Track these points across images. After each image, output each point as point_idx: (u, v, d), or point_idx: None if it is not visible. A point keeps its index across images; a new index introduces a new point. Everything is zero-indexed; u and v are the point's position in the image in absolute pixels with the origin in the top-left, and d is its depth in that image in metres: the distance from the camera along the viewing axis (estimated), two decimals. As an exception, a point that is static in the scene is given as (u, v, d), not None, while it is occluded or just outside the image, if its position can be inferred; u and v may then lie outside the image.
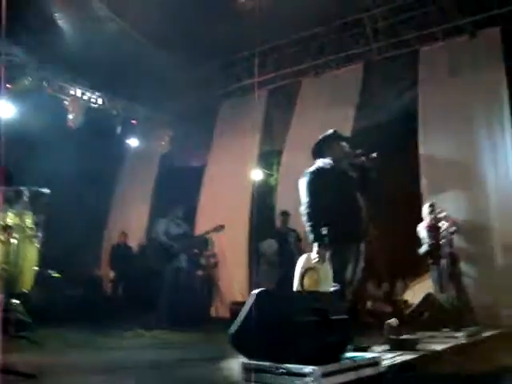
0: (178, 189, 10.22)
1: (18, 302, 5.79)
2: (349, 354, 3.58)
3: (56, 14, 8.65)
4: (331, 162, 4.77)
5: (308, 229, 4.56)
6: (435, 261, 7.24)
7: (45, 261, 8.20)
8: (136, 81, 9.84)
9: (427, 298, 5.59)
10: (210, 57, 10.23)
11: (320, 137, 4.93)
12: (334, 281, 4.52)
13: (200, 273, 9.22)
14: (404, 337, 4.73)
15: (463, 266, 7.62)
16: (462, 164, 8.30)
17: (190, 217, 9.63)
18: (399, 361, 4.00)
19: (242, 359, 3.20)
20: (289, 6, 8.65)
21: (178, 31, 9.28)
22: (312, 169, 4.75)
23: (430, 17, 8.63)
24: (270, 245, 8.73)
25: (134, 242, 10.54)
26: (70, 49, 8.88)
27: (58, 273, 8.29)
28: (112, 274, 9.98)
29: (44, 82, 9.30)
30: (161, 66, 9.99)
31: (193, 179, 10.89)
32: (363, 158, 4.83)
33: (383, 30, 9.01)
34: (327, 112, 9.44)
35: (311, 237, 4.52)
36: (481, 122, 8.25)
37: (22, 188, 5.31)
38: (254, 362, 3.13)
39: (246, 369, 3.14)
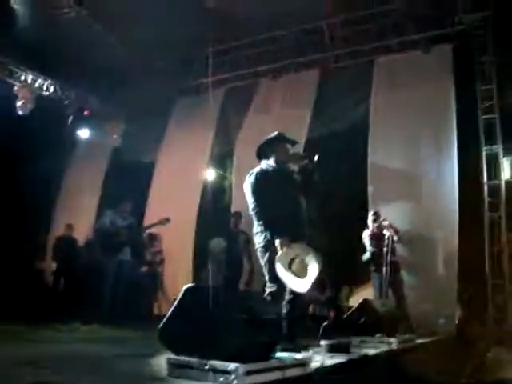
0: (128, 183, 10.09)
1: None
2: (278, 354, 3.60)
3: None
4: (274, 163, 4.81)
5: (260, 228, 4.58)
6: (377, 268, 7.36)
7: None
8: (91, 71, 9.69)
9: (363, 303, 5.68)
10: (169, 52, 10.15)
11: (264, 138, 4.97)
12: (270, 281, 4.56)
13: (145, 269, 9.11)
14: (337, 340, 4.78)
15: (405, 275, 7.78)
16: (408, 175, 8.50)
17: (138, 211, 9.51)
18: (328, 363, 4.05)
19: (169, 355, 3.17)
20: (249, 8, 8.72)
21: (136, 25, 9.20)
22: (255, 170, 4.78)
23: (387, 29, 8.82)
24: (218, 243, 8.67)
25: (81, 234, 10.34)
26: (24, 34, 8.67)
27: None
28: (54, 266, 9.75)
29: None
30: (117, 58, 9.88)
31: (143, 174, 10.77)
32: (306, 161, 4.90)
33: (341, 39, 9.14)
34: (282, 116, 9.53)
35: (267, 234, 4.53)
36: (429, 135, 8.48)
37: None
38: (180, 358, 3.10)
39: (171, 364, 3.12)
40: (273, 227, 4.52)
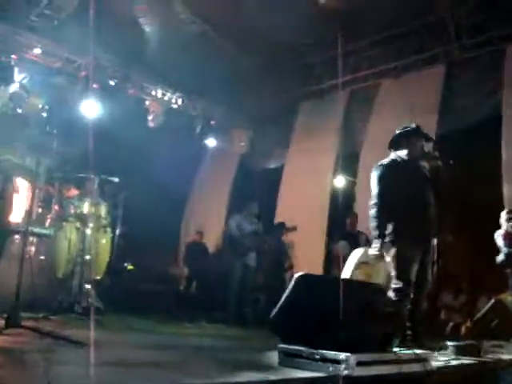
0: (256, 189, 10.32)
1: (90, 287, 6.06)
2: (396, 349, 3.44)
3: (140, 17, 9.06)
4: (407, 156, 4.67)
5: (373, 224, 4.49)
6: (513, 270, 6.78)
7: (122, 253, 8.60)
8: (216, 82, 10.06)
9: (496, 304, 5.26)
10: (290, 58, 10.28)
11: (401, 129, 4.81)
12: (398, 279, 4.41)
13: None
14: (466, 342, 4.47)
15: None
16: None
17: (267, 217, 9.64)
18: (453, 363, 3.79)
19: (280, 344, 3.16)
20: (369, 7, 8.55)
21: (258, 33, 9.43)
22: (385, 161, 4.67)
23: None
24: (343, 246, 8.55)
25: (211, 241, 10.72)
26: (153, 51, 9.27)
27: (132, 265, 8.60)
28: (186, 271, 10.20)
29: (127, 84, 9.69)
30: (241, 68, 10.19)
31: (271, 180, 10.94)
32: (439, 162, 4.66)
33: (466, 28, 8.63)
34: (407, 114, 9.17)
35: (375, 232, 4.45)
36: None
37: (91, 176, 5.55)
38: (290, 347, 3.08)
39: (282, 353, 3.10)
40: (381, 227, 4.43)
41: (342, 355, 2.83)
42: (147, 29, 9.31)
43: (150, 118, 9.76)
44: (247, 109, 11.31)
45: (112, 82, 9.46)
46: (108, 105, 9.14)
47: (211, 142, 11.29)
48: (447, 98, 9.11)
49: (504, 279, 7.22)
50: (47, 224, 7.05)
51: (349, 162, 10.67)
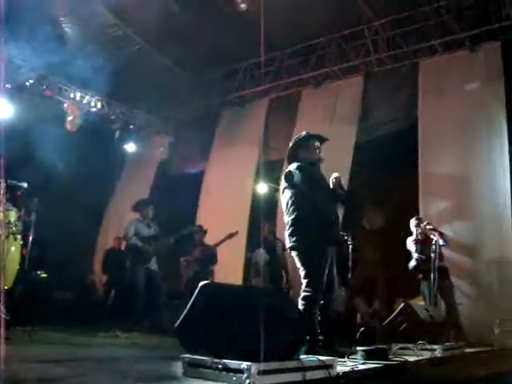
0: (176, 195, 10.17)
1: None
2: (303, 356, 3.45)
3: (60, 18, 8.77)
4: (309, 160, 4.60)
5: (299, 228, 4.44)
6: (424, 275, 7.03)
7: (34, 261, 8.21)
8: (136, 86, 9.88)
9: (404, 308, 5.43)
10: (211, 65, 10.28)
11: (294, 139, 4.77)
12: (307, 285, 4.38)
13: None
14: (374, 347, 4.57)
15: (461, 283, 7.47)
16: (459, 179, 8.16)
17: (188, 223, 9.47)
18: (360, 368, 3.86)
19: (184, 353, 3.09)
20: (291, 16, 8.67)
21: (181, 40, 9.36)
22: (294, 166, 4.53)
23: (431, 29, 8.57)
24: (261, 254, 8.52)
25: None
26: (72, 52, 8.98)
27: (45, 273, 8.26)
28: (104, 279, 9.91)
29: (44, 85, 9.34)
30: (162, 73, 10.07)
31: (191, 186, 10.83)
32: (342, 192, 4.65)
33: (384, 42, 8.95)
34: (328, 124, 9.38)
35: (309, 234, 4.41)
36: (480, 137, 8.13)
37: (-3, 180, 5.26)
38: (194, 357, 3.02)
39: (186, 363, 3.04)
40: (309, 225, 4.36)
41: (244, 364, 2.80)
42: (67, 29, 9.03)
43: (67, 120, 9.42)
44: (168, 114, 11.19)
45: (27, 83, 9.06)
46: (21, 106, 8.78)
47: (131, 147, 11.09)
48: (366, 108, 9.38)
49: (417, 284, 7.50)
50: (-49, 233, 6.64)
51: (271, 168, 10.76)
